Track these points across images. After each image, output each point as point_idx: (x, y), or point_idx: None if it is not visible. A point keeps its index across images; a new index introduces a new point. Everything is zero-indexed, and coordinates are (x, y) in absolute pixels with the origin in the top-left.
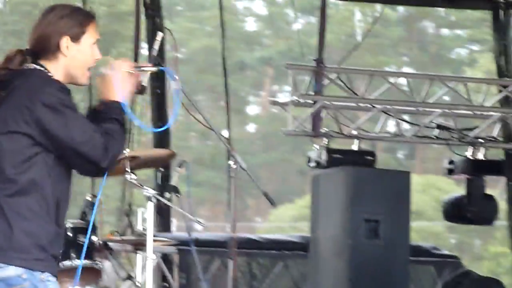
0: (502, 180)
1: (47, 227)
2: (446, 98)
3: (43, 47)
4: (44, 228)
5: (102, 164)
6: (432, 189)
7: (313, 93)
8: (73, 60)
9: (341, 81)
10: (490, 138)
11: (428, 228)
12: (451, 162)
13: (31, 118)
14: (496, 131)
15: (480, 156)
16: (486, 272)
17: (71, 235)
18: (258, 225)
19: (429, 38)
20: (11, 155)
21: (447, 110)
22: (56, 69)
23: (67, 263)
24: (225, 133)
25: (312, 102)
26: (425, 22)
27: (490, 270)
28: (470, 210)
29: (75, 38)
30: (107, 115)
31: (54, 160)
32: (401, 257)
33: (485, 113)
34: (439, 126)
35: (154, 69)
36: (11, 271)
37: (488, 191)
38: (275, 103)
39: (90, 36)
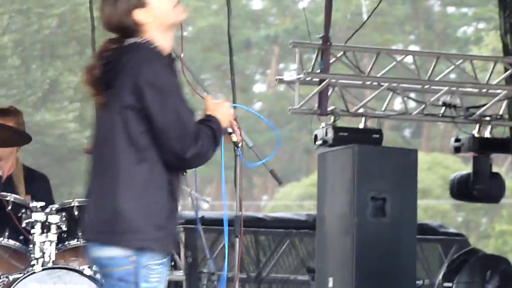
0: (508, 158)
1: (162, 202)
2: (452, 76)
3: (128, 33)
4: (160, 203)
5: (186, 154)
6: (438, 167)
7: (319, 71)
8: (157, 19)
9: (348, 59)
10: (497, 116)
11: (434, 206)
12: (457, 140)
13: (136, 92)
14: (502, 109)
15: (487, 134)
16: (492, 250)
17: (77, 213)
18: (264, 204)
19: (435, 16)
20: (125, 130)
21: (453, 88)
22: (152, 36)
23: (72, 242)
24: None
25: (319, 80)
26: (431, 0)
27: (496, 248)
28: (476, 188)
29: (141, 5)
30: (205, 122)
31: None
32: (408, 235)
33: (491, 91)
34: (446, 104)
35: (234, 139)
36: (118, 251)
37: (495, 169)
38: (281, 81)
39: None
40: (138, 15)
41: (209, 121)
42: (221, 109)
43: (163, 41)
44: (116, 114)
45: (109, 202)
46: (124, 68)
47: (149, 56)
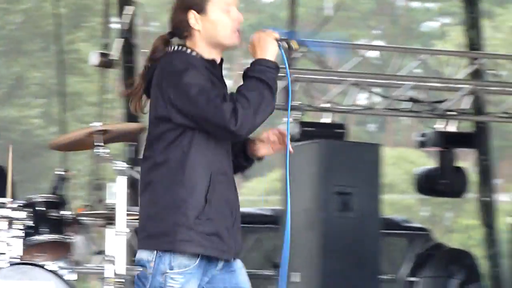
0: (472, 153)
1: (190, 203)
2: (417, 71)
3: (177, 28)
4: (186, 204)
5: (230, 127)
6: (403, 161)
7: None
8: (207, 31)
9: (313, 54)
10: (461, 111)
11: (399, 201)
12: (422, 135)
13: (164, 99)
14: (467, 103)
15: (452, 128)
16: (457, 244)
17: (42, 209)
18: None
19: (400, 11)
20: (157, 140)
21: (418, 83)
22: (196, 44)
23: (37, 237)
24: None
25: (284, 75)
26: None
27: (461, 242)
28: (441, 183)
29: (200, 10)
30: (249, 74)
31: (199, 136)
32: (373, 230)
33: (456, 85)
34: (411, 99)
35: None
36: (143, 254)
37: (459, 163)
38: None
39: (217, 2)
40: (191, 18)
41: (252, 72)
42: (260, 45)
43: (205, 54)
44: (150, 122)
45: (140, 205)
46: (154, 79)
47: (171, 60)
